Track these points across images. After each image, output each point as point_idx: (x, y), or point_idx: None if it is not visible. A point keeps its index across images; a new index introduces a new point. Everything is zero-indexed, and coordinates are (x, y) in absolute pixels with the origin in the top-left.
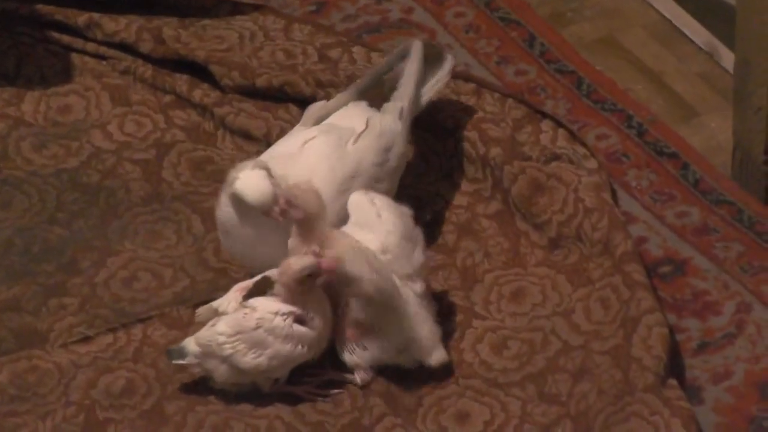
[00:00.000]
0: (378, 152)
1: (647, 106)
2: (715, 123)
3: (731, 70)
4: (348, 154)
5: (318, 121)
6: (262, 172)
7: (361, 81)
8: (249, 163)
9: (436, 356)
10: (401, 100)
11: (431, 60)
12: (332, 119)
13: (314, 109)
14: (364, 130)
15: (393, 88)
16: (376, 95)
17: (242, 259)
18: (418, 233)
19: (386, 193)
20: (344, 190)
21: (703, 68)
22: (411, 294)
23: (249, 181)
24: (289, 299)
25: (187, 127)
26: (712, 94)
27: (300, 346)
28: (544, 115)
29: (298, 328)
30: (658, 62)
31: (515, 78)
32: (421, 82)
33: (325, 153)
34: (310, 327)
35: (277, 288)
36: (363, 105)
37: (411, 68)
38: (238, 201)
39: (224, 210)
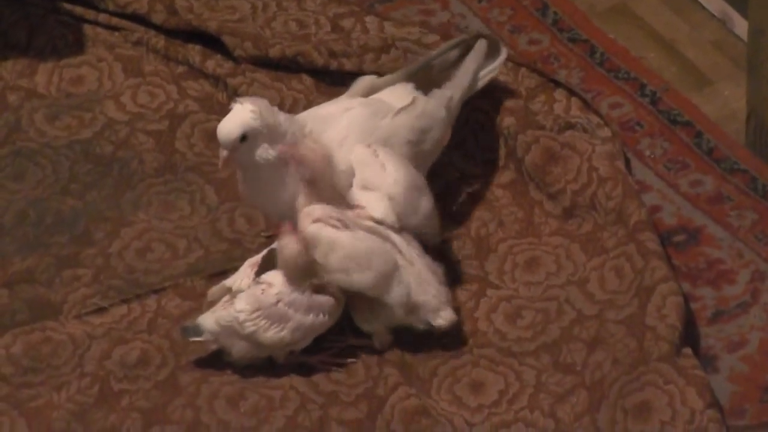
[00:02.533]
0: (413, 131)
1: (660, 75)
2: (728, 91)
3: (744, 38)
4: (382, 126)
5: (365, 94)
6: (248, 115)
7: (412, 64)
8: (256, 100)
9: (443, 316)
10: (452, 89)
11: (489, 52)
12: (379, 96)
13: (363, 82)
14: (406, 107)
15: (441, 73)
16: (424, 78)
17: (253, 201)
18: (424, 183)
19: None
20: None
21: (716, 36)
22: (415, 255)
23: (232, 114)
24: (295, 282)
25: (200, 97)
26: (725, 61)
27: (321, 315)
28: (558, 84)
29: (318, 298)
30: (670, 30)
31: (528, 47)
32: (476, 76)
33: (359, 120)
34: (329, 294)
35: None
36: (410, 87)
37: (471, 63)
38: None
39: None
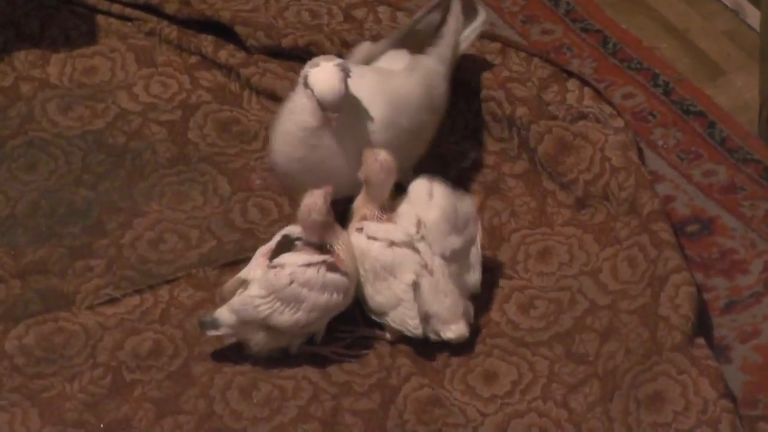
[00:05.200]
0: (425, 88)
1: (673, 65)
2: (741, 81)
3: (757, 28)
4: (395, 86)
5: (364, 62)
6: (341, 74)
7: (398, 30)
8: (333, 58)
9: (454, 330)
10: (444, 47)
11: (466, 12)
12: (378, 64)
13: (362, 49)
14: (415, 67)
15: (428, 36)
16: (411, 43)
17: (290, 166)
18: (470, 225)
19: (432, 124)
20: (392, 121)
21: (728, 26)
22: (437, 265)
23: (321, 75)
24: (317, 236)
25: (212, 88)
26: (737, 52)
27: (336, 294)
28: (570, 74)
29: (332, 276)
30: (683, 20)
31: (541, 37)
32: (459, 32)
33: (371, 85)
34: (342, 273)
35: (300, 245)
36: (404, 52)
37: (452, 21)
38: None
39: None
